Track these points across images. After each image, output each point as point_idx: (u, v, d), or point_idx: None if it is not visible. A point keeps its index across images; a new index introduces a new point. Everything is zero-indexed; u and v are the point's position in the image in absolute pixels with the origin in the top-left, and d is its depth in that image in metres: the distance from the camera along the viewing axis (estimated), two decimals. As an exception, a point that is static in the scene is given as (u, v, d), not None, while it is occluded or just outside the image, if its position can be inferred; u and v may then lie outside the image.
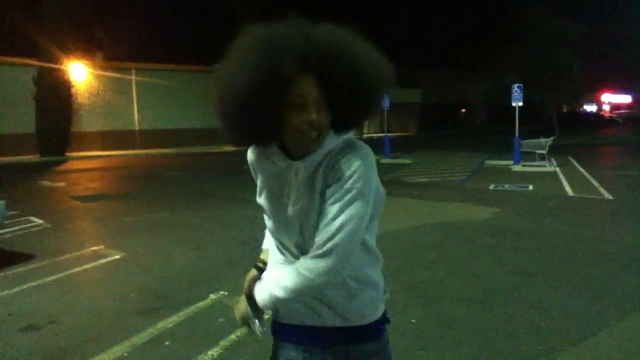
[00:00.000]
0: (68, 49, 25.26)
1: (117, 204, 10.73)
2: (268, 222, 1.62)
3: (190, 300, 4.85)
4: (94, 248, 6.93)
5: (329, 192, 1.42)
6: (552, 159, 17.66)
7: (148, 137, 30.69)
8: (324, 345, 1.57)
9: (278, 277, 1.50)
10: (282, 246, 1.59)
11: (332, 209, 1.41)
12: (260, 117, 1.37)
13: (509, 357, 3.66)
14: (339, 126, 1.46)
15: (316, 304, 1.54)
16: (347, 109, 1.42)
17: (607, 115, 62.37)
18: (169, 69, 31.65)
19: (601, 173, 14.43)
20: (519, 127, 17.28)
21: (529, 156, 17.31)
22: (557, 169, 15.56)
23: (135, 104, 30.51)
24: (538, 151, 17.10)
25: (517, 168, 16.10)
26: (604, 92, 70.14)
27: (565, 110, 53.58)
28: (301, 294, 1.47)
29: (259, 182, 1.61)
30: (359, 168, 1.40)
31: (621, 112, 68.50)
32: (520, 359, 3.63)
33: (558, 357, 3.63)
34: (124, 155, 26.47)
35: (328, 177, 1.44)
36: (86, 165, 21.45)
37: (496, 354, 3.70)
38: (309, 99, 1.36)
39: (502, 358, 3.64)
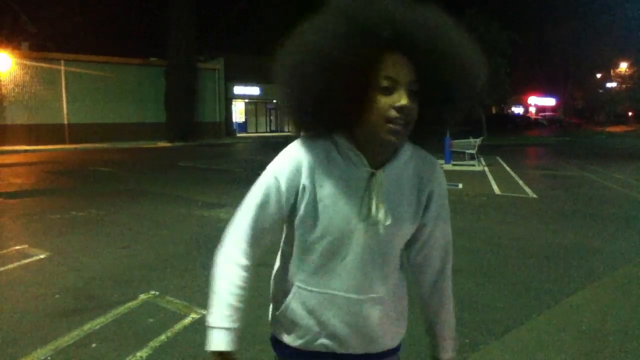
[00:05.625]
0: (-9, 38, 24.03)
1: (43, 201, 10.30)
2: (325, 248, 1.32)
3: (118, 301, 4.73)
4: (18, 247, 6.63)
5: (434, 206, 1.41)
6: (481, 159, 18.36)
7: (78, 132, 29.48)
8: None
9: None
10: (364, 275, 1.34)
11: (445, 228, 1.51)
12: (342, 97, 1.16)
13: (435, 351, 3.78)
14: (421, 131, 1.28)
15: (393, 328, 1.49)
16: (438, 109, 1.26)
17: (533, 117, 65.17)
18: (101, 61, 30.47)
19: (526, 172, 15.12)
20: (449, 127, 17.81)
21: (459, 156, 17.90)
22: (486, 168, 16.17)
23: (64, 97, 29.20)
24: (467, 151, 17.75)
25: (448, 167, 16.58)
26: (530, 95, 73.27)
27: (494, 111, 55.58)
28: None
29: (312, 194, 1.29)
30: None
31: (546, 115, 71.84)
32: (446, 353, 3.75)
33: (482, 349, 3.78)
34: (51, 150, 25.35)
35: (426, 187, 1.38)
36: (10, 159, 20.43)
37: (423, 347, 3.81)
38: (401, 81, 1.15)
39: (428, 351, 3.75)
